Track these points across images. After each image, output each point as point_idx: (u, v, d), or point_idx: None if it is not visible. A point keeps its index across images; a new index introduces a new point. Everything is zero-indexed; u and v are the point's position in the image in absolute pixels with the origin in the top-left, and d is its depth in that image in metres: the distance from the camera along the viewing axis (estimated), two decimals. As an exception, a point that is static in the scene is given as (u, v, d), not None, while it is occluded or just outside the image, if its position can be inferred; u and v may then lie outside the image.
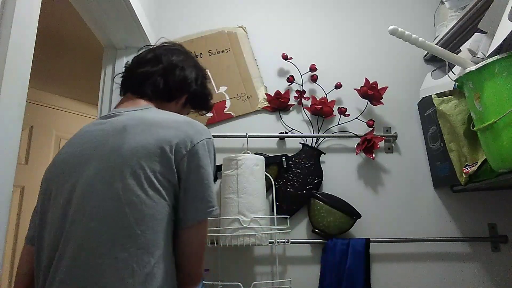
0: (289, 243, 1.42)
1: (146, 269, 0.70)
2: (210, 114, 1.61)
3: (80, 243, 0.70)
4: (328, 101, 1.59)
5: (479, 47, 1.13)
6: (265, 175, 1.41)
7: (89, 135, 0.83)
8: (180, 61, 0.99)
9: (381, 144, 1.57)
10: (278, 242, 1.38)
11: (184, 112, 1.03)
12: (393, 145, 1.61)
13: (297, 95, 1.63)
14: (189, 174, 0.77)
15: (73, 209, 0.73)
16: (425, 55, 1.68)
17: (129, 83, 0.96)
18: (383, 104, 1.56)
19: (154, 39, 1.51)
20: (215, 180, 1.51)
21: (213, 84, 1.63)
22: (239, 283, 1.32)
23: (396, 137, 1.59)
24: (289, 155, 1.55)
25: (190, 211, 0.77)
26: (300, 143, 1.57)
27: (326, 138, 1.60)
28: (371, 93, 1.55)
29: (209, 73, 1.12)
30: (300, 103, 1.63)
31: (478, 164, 1.21)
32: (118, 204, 0.71)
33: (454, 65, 1.22)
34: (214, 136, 1.54)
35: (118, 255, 0.69)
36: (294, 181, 1.52)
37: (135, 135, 0.76)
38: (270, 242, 1.36)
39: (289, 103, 1.62)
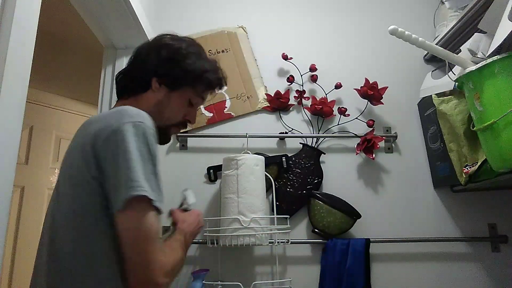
0: (289, 243, 1.42)
1: (64, 261, 0.73)
2: (210, 114, 1.61)
3: (40, 241, 0.82)
4: (328, 101, 1.59)
5: (479, 47, 1.13)
6: (265, 175, 1.41)
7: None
8: (141, 47, 0.97)
9: (381, 144, 1.57)
10: (278, 242, 1.38)
11: (183, 98, 0.96)
12: (393, 145, 1.61)
13: (297, 95, 1.63)
14: (107, 160, 0.73)
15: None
16: (425, 55, 1.68)
17: None
18: (383, 104, 1.56)
19: (154, 39, 1.51)
20: (215, 180, 1.52)
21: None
22: (239, 283, 1.32)
23: (396, 137, 1.59)
24: (289, 155, 1.55)
25: (112, 198, 0.72)
26: (300, 143, 1.57)
27: (326, 138, 1.60)
28: (371, 93, 1.55)
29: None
30: (300, 103, 1.63)
31: (478, 164, 1.21)
32: (53, 204, 0.79)
33: (454, 65, 1.22)
34: (214, 136, 1.57)
35: (48, 247, 0.76)
36: (294, 181, 1.52)
37: (75, 138, 0.82)
38: (270, 242, 1.36)
39: (289, 103, 1.62)
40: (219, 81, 1.03)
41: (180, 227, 0.95)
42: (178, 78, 0.94)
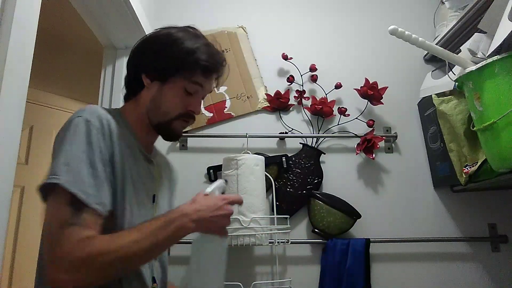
0: (289, 243, 1.42)
1: (41, 262, 0.74)
2: (210, 114, 1.61)
3: None
4: (328, 101, 1.59)
5: (479, 47, 1.13)
6: (265, 175, 1.41)
7: None
8: (133, 46, 0.94)
9: (381, 144, 1.57)
10: (278, 242, 1.38)
11: (177, 88, 0.88)
12: (393, 145, 1.61)
13: (297, 95, 1.63)
14: None
15: None
16: (425, 55, 1.68)
17: None
18: (383, 104, 1.56)
19: (154, 39, 1.51)
20: (215, 180, 1.52)
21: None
22: (239, 283, 1.32)
23: (396, 137, 1.59)
24: (289, 155, 1.54)
25: None
26: (300, 143, 1.57)
27: (326, 138, 1.60)
28: (371, 93, 1.54)
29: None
30: (300, 103, 1.63)
31: (478, 164, 1.21)
32: None
33: (454, 65, 1.22)
34: (214, 136, 1.57)
35: (39, 250, 0.77)
36: (294, 181, 1.52)
37: None
38: (270, 242, 1.36)
39: (289, 103, 1.62)
40: (211, 60, 0.88)
41: (175, 210, 0.78)
42: (164, 68, 0.87)
